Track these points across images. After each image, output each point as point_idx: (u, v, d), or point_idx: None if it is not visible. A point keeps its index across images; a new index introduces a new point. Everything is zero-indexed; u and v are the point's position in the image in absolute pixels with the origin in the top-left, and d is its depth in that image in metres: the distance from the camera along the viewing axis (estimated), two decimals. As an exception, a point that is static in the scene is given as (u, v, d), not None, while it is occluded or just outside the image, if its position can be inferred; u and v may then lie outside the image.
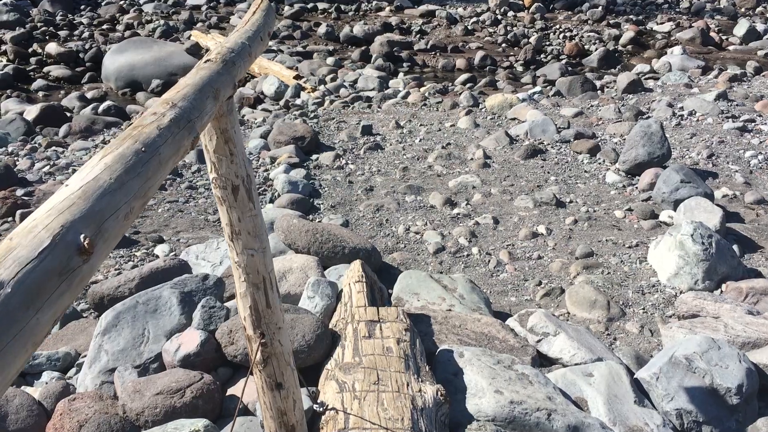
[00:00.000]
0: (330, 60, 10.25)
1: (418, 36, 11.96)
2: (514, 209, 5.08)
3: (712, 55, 11.52)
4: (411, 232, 4.75)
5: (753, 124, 6.79)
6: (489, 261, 4.36)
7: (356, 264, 3.18)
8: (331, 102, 8.34)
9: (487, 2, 13.83)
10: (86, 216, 0.99)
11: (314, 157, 6.10)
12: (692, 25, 12.85)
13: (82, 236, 0.95)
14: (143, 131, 1.28)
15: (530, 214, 4.99)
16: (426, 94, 8.50)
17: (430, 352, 2.92)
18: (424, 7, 13.28)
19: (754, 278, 3.79)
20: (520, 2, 13.92)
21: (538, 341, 3.17)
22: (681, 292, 3.86)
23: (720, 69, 10.04)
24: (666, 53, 11.02)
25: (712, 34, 12.29)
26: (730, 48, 11.90)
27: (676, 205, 4.81)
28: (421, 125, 7.15)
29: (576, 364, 3.00)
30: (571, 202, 5.19)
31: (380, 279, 4.01)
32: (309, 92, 8.75)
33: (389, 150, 6.35)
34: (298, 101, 8.49)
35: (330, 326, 2.84)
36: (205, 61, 1.78)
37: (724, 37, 12.32)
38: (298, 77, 9.18)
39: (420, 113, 7.66)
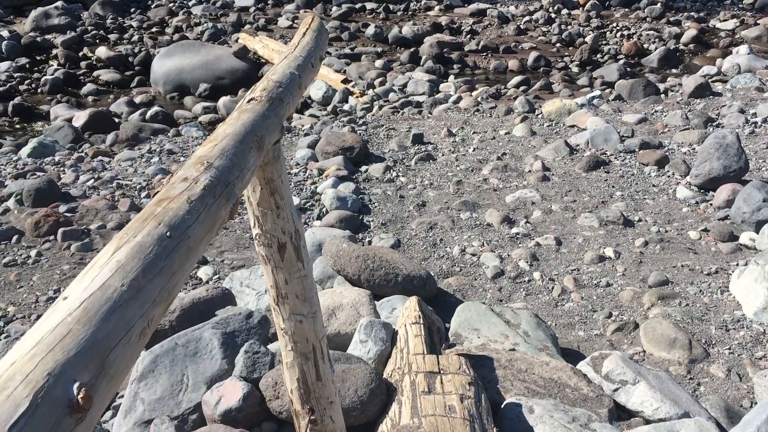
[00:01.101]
0: (378, 63, 9.99)
1: (468, 36, 11.61)
2: (578, 228, 4.73)
3: (781, 53, 10.88)
4: (467, 254, 4.45)
5: (836, 132, 6.27)
6: (552, 288, 4.04)
7: (412, 302, 2.90)
8: (380, 107, 8.08)
9: (540, 0, 13.38)
10: (85, 351, 0.74)
11: (363, 168, 5.84)
12: (758, 22, 12.19)
13: (75, 386, 0.70)
14: (170, 207, 1.02)
15: (595, 234, 4.63)
16: (478, 99, 8.17)
17: (495, 403, 2.63)
18: (474, 6, 12.92)
19: None
20: (575, 0, 13.43)
21: (615, 390, 2.84)
22: (770, 330, 3.48)
23: (792, 69, 9.44)
24: (731, 53, 10.43)
25: (780, 31, 11.61)
26: (801, 46, 11.22)
27: (758, 226, 4.40)
28: (474, 133, 6.84)
29: (660, 420, 2.67)
30: (639, 220, 4.82)
31: (435, 308, 3.72)
32: (357, 97, 8.51)
33: (441, 161, 6.05)
34: (346, 107, 8.26)
35: (384, 375, 2.57)
36: (249, 101, 1.52)
37: (793, 35, 11.63)
38: (346, 81, 8.95)
39: (473, 119, 7.34)
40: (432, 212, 5.06)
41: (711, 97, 7.54)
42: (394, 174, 5.73)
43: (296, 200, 5.13)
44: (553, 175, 5.65)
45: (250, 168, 1.31)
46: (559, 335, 3.58)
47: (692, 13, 12.82)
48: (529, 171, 5.74)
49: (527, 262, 4.31)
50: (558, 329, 3.64)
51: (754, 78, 8.12)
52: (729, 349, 3.37)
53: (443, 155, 6.21)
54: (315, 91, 8.74)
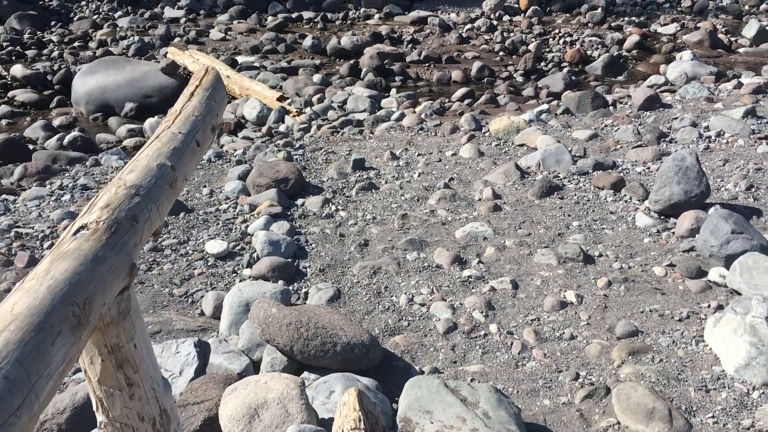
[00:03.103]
0: (317, 77, 9.48)
1: (410, 46, 11.21)
2: (535, 267, 4.33)
3: (723, 58, 10.82)
4: (415, 304, 3.99)
5: (790, 145, 6.05)
6: (512, 344, 3.61)
7: (351, 398, 2.41)
8: (319, 127, 7.58)
9: (480, 6, 13.08)
10: None
11: (300, 201, 5.33)
12: (698, 26, 12.14)
13: None
14: None
15: (554, 274, 4.23)
16: (422, 116, 7.74)
17: None
18: (415, 14, 12.53)
19: None
20: (516, 5, 13.18)
21: (593, 489, 2.42)
22: (754, 388, 3.12)
23: (734, 76, 9.33)
24: (674, 58, 10.30)
25: (719, 35, 11.58)
26: (741, 50, 11.20)
27: (727, 261, 4.06)
28: (419, 155, 6.40)
29: None
30: (600, 255, 4.44)
31: (381, 379, 3.25)
32: (294, 116, 7.99)
33: (385, 189, 5.58)
34: (282, 127, 7.73)
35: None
36: (77, 231, 1.01)
37: (732, 39, 11.61)
38: (282, 99, 8.41)
39: (417, 139, 6.90)
40: (375, 253, 4.59)
41: (661, 109, 7.28)
42: (334, 208, 5.23)
43: (224, 244, 4.59)
44: (504, 203, 5.24)
45: (57, 367, 0.81)
46: (522, 405, 3.15)
47: (633, 18, 12.71)
48: (479, 199, 5.33)
49: (482, 312, 3.87)
50: (521, 398, 3.21)
51: (703, 87, 7.92)
52: (712, 417, 2.99)
53: (387, 182, 5.75)
54: (249, 110, 8.18)
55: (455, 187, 5.61)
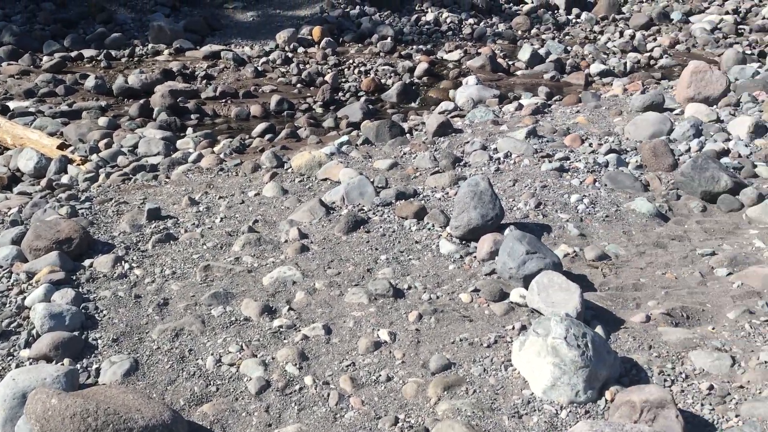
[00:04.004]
0: (103, 120, 8.80)
1: (204, 82, 10.83)
2: (347, 308, 4.23)
3: (503, 81, 11.63)
4: (224, 365, 3.71)
5: (568, 162, 6.56)
6: (328, 395, 3.45)
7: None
8: (108, 175, 7.00)
9: (274, 39, 13.01)
10: None
11: (87, 263, 4.81)
12: (479, 51, 12.99)
13: None
14: None
15: (366, 312, 4.16)
16: (222, 155, 7.44)
17: None
18: (207, 48, 12.14)
19: (643, 384, 3.24)
20: (309, 37, 13.28)
21: None
22: (562, 408, 3.23)
23: (515, 97, 10.05)
24: (461, 83, 10.91)
25: (499, 60, 12.46)
26: (518, 73, 12.12)
27: (526, 281, 4.24)
28: (220, 197, 6.10)
29: None
30: (409, 288, 4.44)
31: (189, 459, 2.94)
32: (78, 165, 7.32)
33: (184, 239, 5.23)
34: (65, 178, 7.04)
35: None
36: None
37: (510, 62, 12.54)
38: (63, 146, 7.69)
39: (217, 181, 6.59)
40: (177, 313, 4.23)
41: (453, 134, 7.61)
42: (127, 266, 4.79)
43: (-4, 323, 3.99)
44: (312, 242, 5.11)
45: None
46: (343, 463, 3.00)
47: (421, 46, 13.30)
48: (286, 241, 5.16)
49: (295, 364, 3.68)
50: (341, 454, 3.06)
51: (489, 111, 8.41)
52: (527, 443, 3.04)
53: (186, 231, 5.39)
54: (24, 161, 7.38)
55: (260, 230, 5.39)
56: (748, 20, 14.38)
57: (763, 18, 14.17)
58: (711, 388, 3.40)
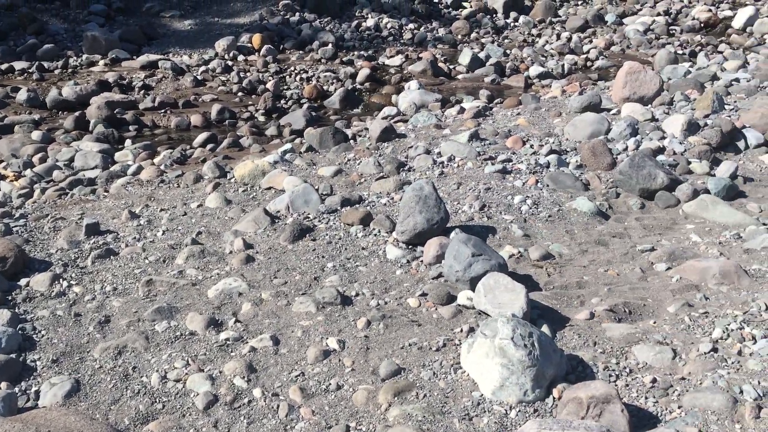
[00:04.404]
0: (36, 134, 8.52)
1: (142, 92, 10.60)
2: (294, 318, 4.18)
3: (445, 85, 11.74)
4: (169, 381, 3.62)
5: (510, 163, 6.66)
6: (278, 407, 3.41)
7: None
8: (43, 191, 6.78)
9: (213, 47, 12.84)
10: None
11: (23, 282, 4.64)
12: (420, 56, 13.07)
13: None
14: None
15: (315, 321, 4.13)
16: (162, 167, 7.29)
17: None
18: (144, 58, 11.89)
19: (589, 381, 3.31)
20: (249, 44, 13.14)
21: None
22: (511, 408, 3.26)
23: (457, 101, 10.16)
24: (403, 88, 10.97)
25: (440, 64, 12.57)
26: (460, 77, 12.24)
27: (472, 283, 4.27)
28: (161, 210, 5.97)
29: None
30: (357, 294, 4.43)
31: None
32: (11, 181, 7.07)
33: (125, 254, 5.09)
34: (-3, 196, 6.78)
35: None
36: None
37: (451, 66, 12.67)
38: (-6, 162, 7.41)
39: (158, 193, 6.46)
40: (119, 330, 4.12)
41: (397, 139, 7.63)
42: (65, 284, 4.64)
43: (-75, 350, 3.81)
44: (257, 253, 5.05)
45: None
46: (295, 475, 2.96)
47: (362, 52, 13.31)
48: (231, 252, 5.08)
49: (243, 377, 3.63)
50: (293, 467, 3.02)
51: (431, 115, 8.47)
52: (478, 445, 3.06)
53: (127, 246, 5.26)
54: (-47, 179, 7.08)
55: (204, 242, 5.30)
56: (678, 21, 14.88)
57: (693, 19, 14.69)
58: (654, 381, 3.49)
